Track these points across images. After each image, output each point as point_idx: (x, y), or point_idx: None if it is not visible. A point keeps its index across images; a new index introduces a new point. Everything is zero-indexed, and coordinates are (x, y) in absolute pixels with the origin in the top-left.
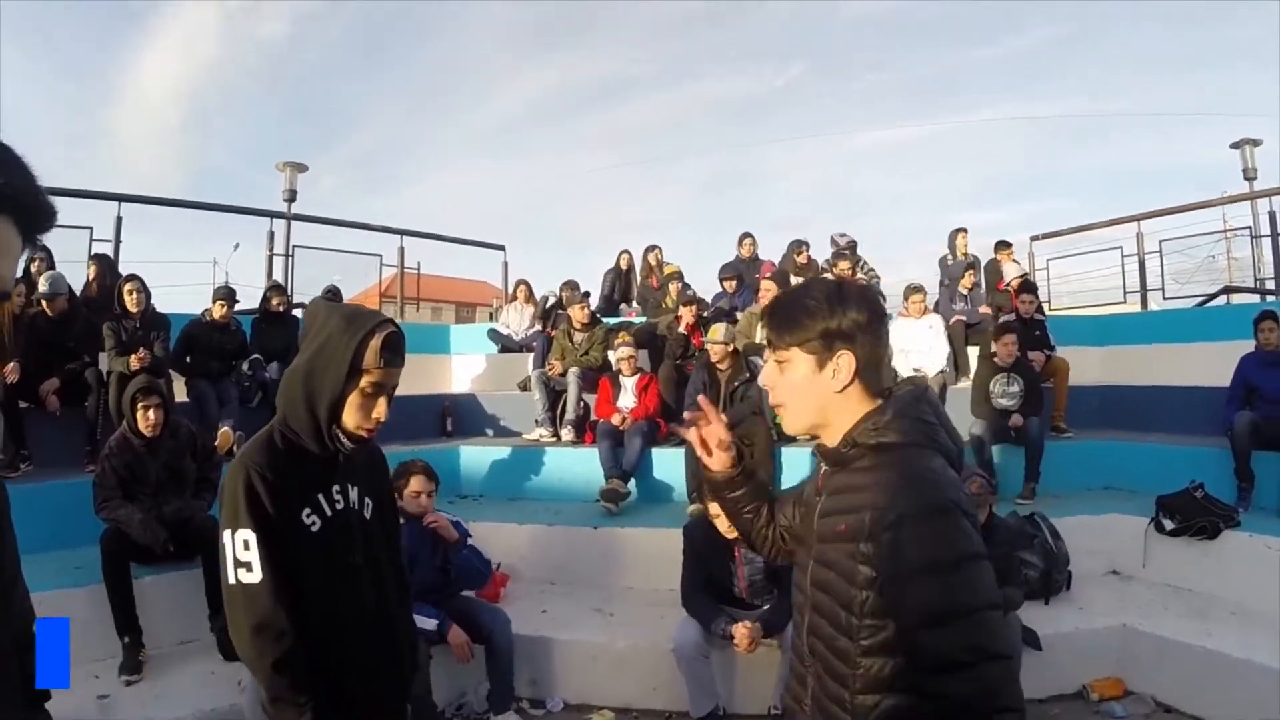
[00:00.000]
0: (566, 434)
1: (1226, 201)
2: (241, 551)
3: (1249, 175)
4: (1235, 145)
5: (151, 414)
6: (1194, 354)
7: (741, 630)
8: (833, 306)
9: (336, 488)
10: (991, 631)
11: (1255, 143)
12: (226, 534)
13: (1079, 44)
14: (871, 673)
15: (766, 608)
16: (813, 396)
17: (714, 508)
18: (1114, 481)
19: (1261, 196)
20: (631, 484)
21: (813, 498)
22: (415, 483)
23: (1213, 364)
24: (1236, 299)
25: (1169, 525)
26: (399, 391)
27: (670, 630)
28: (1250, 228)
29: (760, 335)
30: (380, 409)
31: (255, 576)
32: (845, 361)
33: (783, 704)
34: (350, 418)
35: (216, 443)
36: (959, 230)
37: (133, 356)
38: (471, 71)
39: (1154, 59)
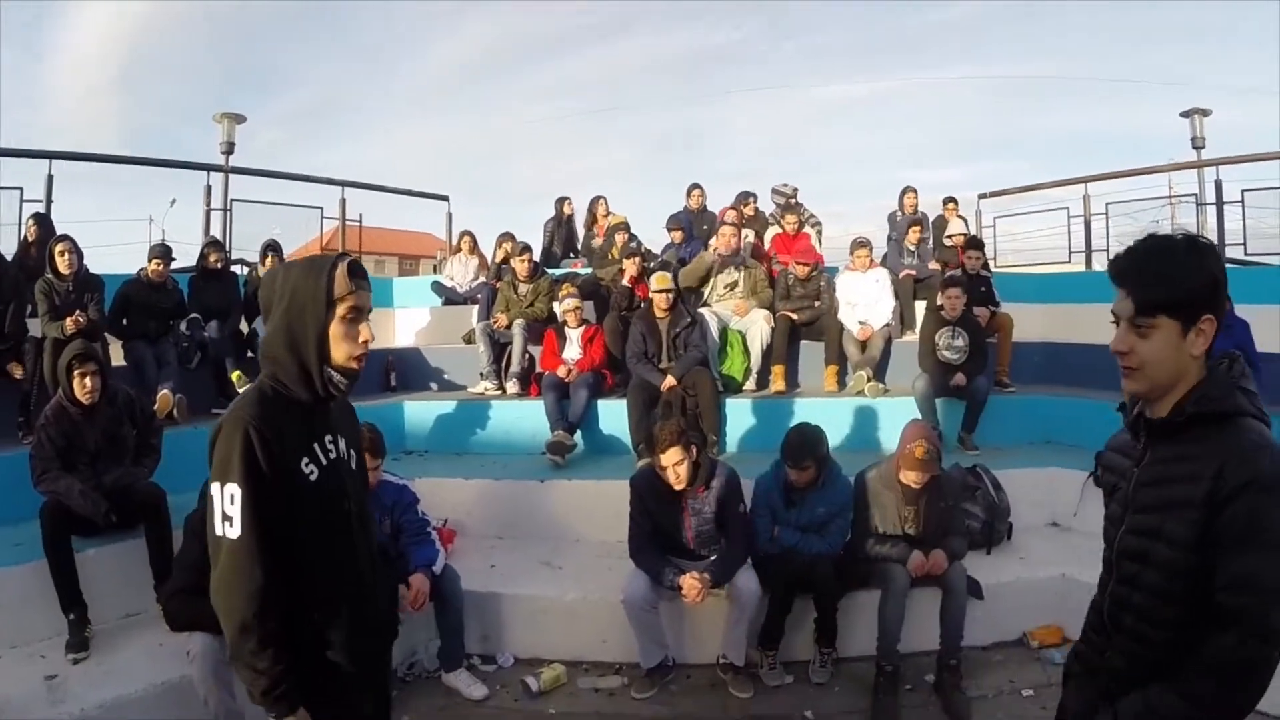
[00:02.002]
0: (512, 387)
1: (1174, 168)
2: (228, 505)
3: (1197, 144)
4: (1185, 114)
5: (89, 381)
6: None
7: (689, 581)
8: (1198, 267)
9: (329, 437)
10: None
11: (1204, 113)
12: (215, 486)
13: (1038, 9)
14: (1202, 639)
15: (714, 558)
16: (1174, 363)
17: (660, 458)
18: (1055, 436)
19: (1208, 165)
20: (578, 436)
21: (1121, 472)
22: None
23: None
24: None
25: None
26: None
27: (619, 582)
28: (1195, 195)
29: (716, 281)
30: (365, 331)
31: (235, 532)
32: (1208, 328)
33: (1068, 669)
34: (339, 350)
35: (156, 407)
36: (908, 189)
37: (67, 320)
38: (416, 21)
39: (1110, 27)
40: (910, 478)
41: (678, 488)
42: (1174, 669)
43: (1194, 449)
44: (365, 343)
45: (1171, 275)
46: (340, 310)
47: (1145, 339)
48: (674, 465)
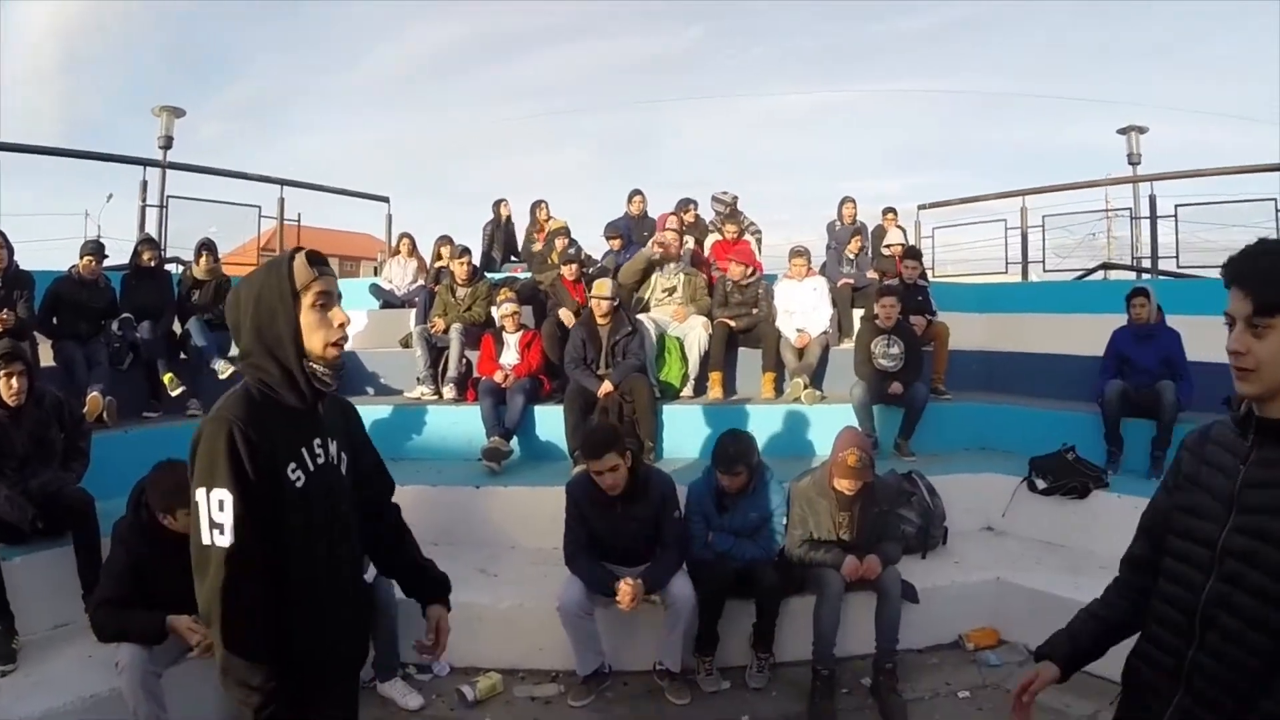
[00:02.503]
0: (448, 392)
1: (1110, 183)
2: (216, 512)
3: (1133, 160)
4: (1122, 131)
5: (15, 382)
6: (1070, 325)
7: (624, 587)
8: None
9: (318, 441)
10: None
11: (1141, 130)
12: (200, 492)
13: (982, 26)
14: None
15: (649, 565)
16: None
17: (595, 464)
18: (990, 442)
19: (1144, 181)
20: (514, 442)
21: (1221, 467)
22: None
23: (1087, 335)
24: (1113, 275)
25: (1041, 485)
26: None
27: (555, 589)
28: (1130, 209)
29: (656, 284)
30: (338, 315)
31: (227, 540)
32: None
33: (1133, 670)
34: (314, 340)
35: (85, 409)
36: (846, 199)
37: None
38: (362, 20)
39: (1053, 46)
40: (843, 485)
41: (613, 494)
42: (1268, 682)
43: None
44: (341, 325)
45: None
46: (307, 299)
47: (1262, 339)
48: (609, 471)
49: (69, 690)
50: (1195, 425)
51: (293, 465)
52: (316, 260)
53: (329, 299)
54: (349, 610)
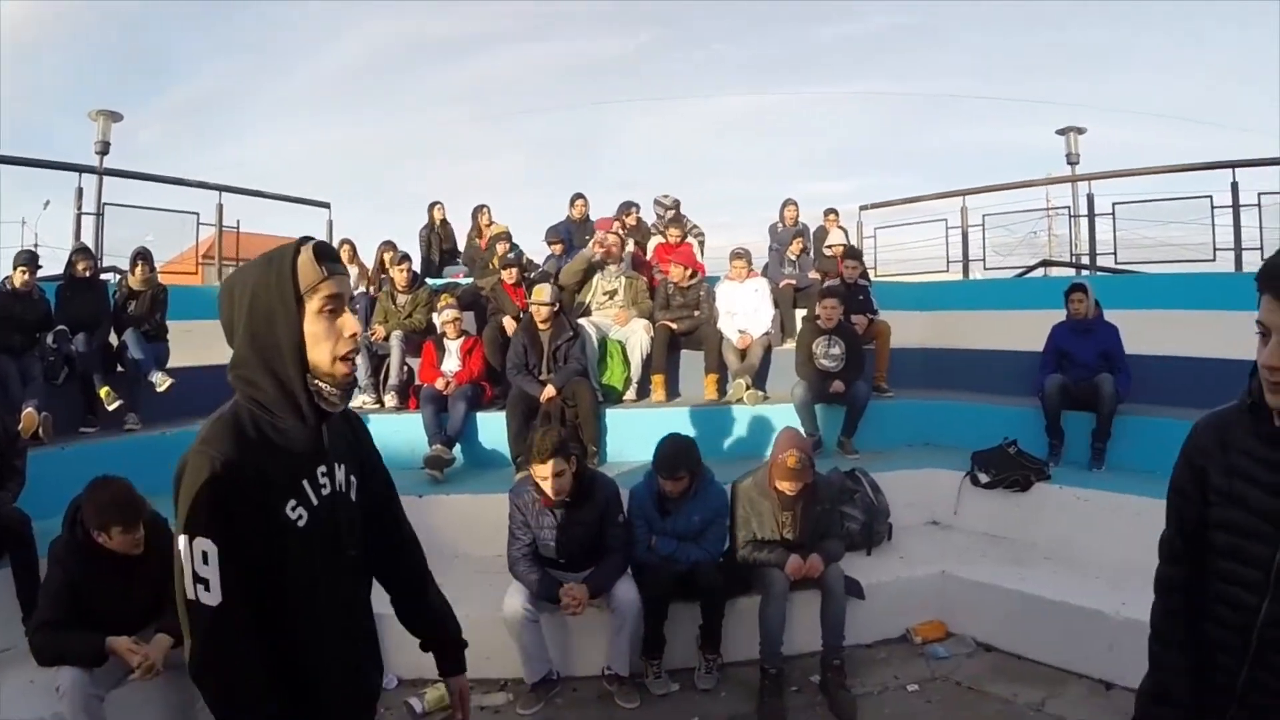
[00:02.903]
0: (390, 400)
1: (1049, 182)
2: (200, 565)
3: (1072, 160)
4: (1061, 131)
5: None
6: (1010, 321)
7: (567, 591)
8: None
9: (323, 469)
10: None
11: (1080, 130)
12: (183, 540)
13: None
14: None
15: (592, 569)
16: None
17: (539, 469)
18: (933, 438)
19: (1082, 180)
20: (457, 450)
21: (1259, 482)
22: None
23: (1028, 331)
24: (1054, 272)
25: (984, 479)
26: (217, 360)
27: (499, 597)
28: (1070, 207)
29: (597, 287)
30: (349, 323)
31: (214, 598)
32: None
33: (1167, 697)
34: (319, 352)
35: (20, 426)
36: (788, 202)
37: None
38: (301, 22)
39: (992, 49)
40: (784, 486)
41: (555, 498)
42: None
43: None
44: (354, 336)
45: None
46: (313, 304)
47: None
48: (555, 476)
49: (11, 716)
50: (1134, 417)
51: (293, 503)
52: (326, 255)
53: (339, 303)
54: (362, 648)
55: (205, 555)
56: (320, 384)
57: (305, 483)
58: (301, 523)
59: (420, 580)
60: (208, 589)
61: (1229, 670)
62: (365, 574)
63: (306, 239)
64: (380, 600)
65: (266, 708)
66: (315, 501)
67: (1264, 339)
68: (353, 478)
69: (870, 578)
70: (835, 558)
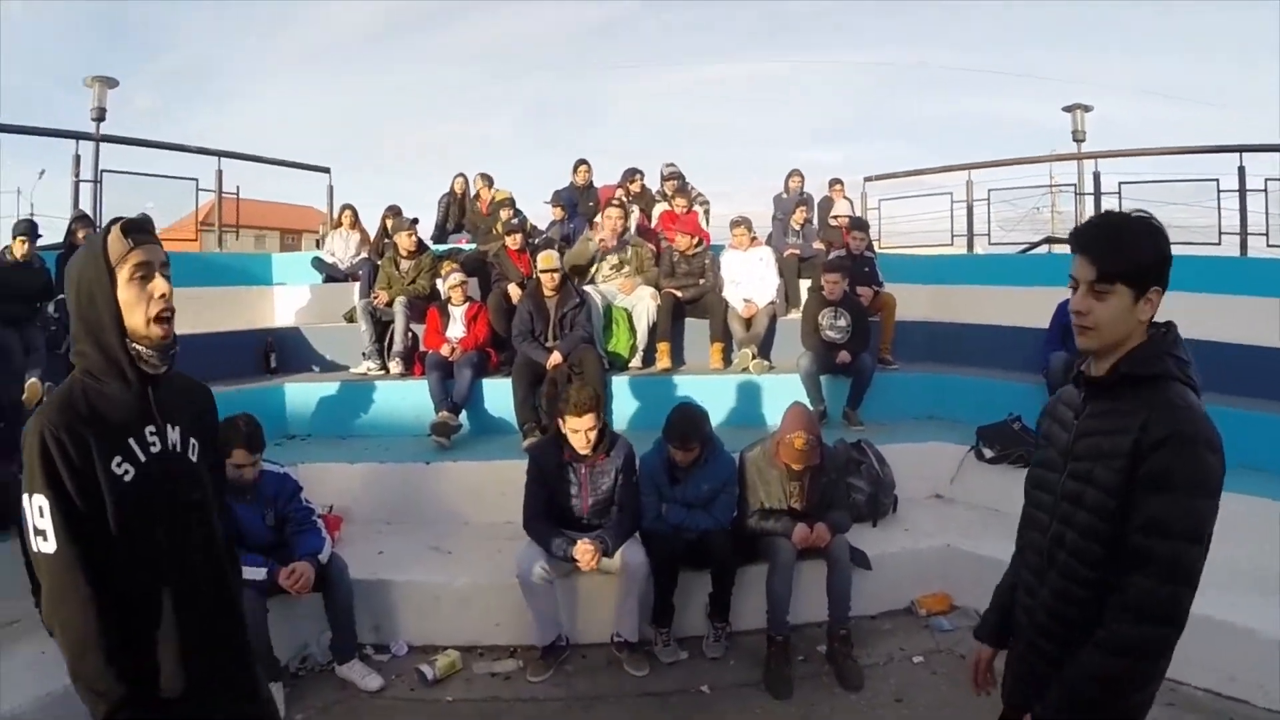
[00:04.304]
0: (395, 366)
1: (1055, 159)
2: (38, 518)
3: (1078, 137)
4: (1068, 108)
5: None
6: (1015, 297)
7: (583, 547)
8: (1155, 245)
9: (151, 428)
10: (1200, 561)
11: (1086, 108)
12: (25, 498)
13: None
14: (1120, 581)
15: (604, 528)
16: (1124, 325)
17: (574, 422)
18: (937, 412)
19: (1088, 158)
20: (463, 416)
21: (1063, 422)
22: (237, 455)
23: (1032, 307)
24: (1058, 249)
25: (988, 454)
26: (215, 328)
27: (509, 564)
28: (1075, 185)
29: (609, 264)
30: (158, 285)
31: (50, 546)
32: (1155, 298)
33: (1015, 628)
34: (135, 316)
35: (25, 396)
36: (793, 172)
37: None
38: None
39: (1000, 20)
40: (792, 465)
41: (583, 452)
42: (1095, 613)
43: (1125, 405)
44: (163, 296)
45: (1132, 248)
46: (124, 274)
47: (1102, 302)
48: (587, 430)
49: (27, 689)
50: None
51: (118, 459)
52: (134, 228)
53: (149, 269)
54: (206, 618)
55: (40, 509)
56: (139, 347)
57: (131, 440)
58: (128, 478)
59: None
60: (46, 539)
61: (1033, 592)
62: (213, 532)
63: (117, 219)
64: (391, 567)
65: (106, 645)
66: (143, 458)
67: (1074, 290)
68: (193, 440)
69: (876, 549)
70: (842, 528)
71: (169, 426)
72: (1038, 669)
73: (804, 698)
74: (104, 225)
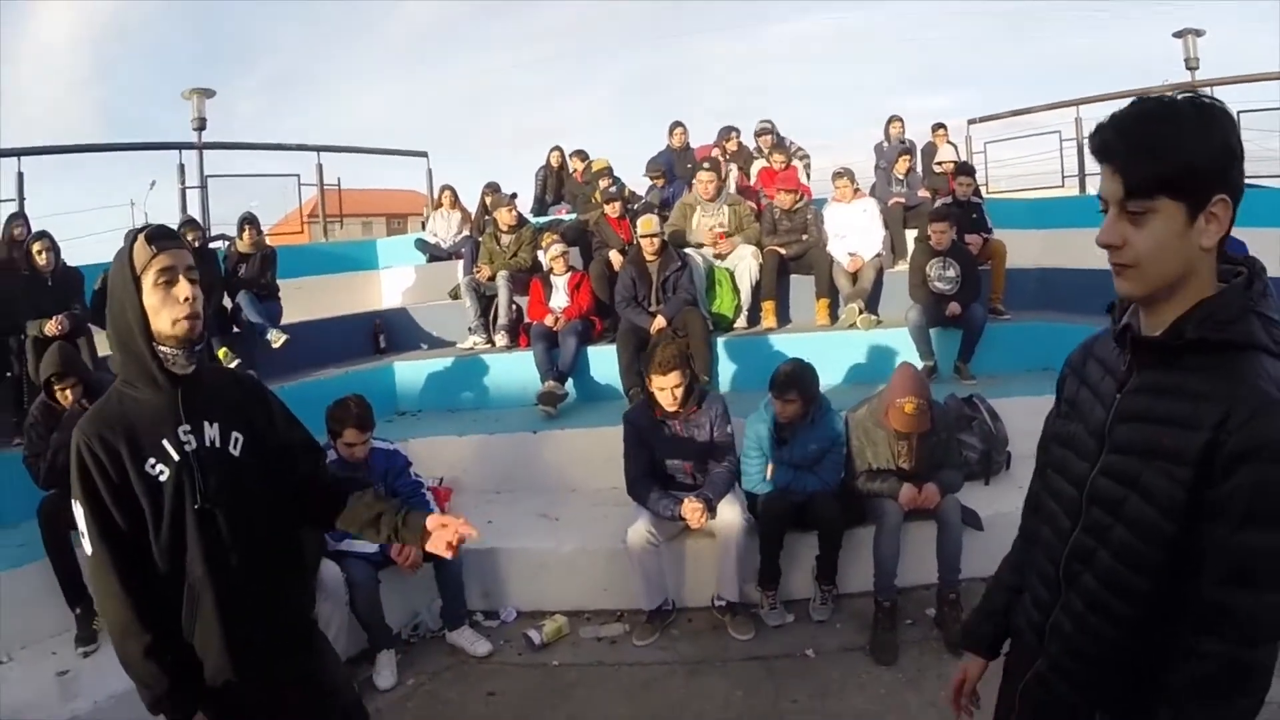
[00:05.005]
0: (500, 339)
1: (1168, 90)
2: (80, 523)
3: (1191, 65)
4: (1178, 34)
5: (69, 394)
6: None
7: (690, 505)
8: (1206, 133)
9: (185, 428)
10: None
11: (1198, 32)
12: (74, 504)
13: None
14: (1171, 623)
15: (705, 485)
16: (1179, 257)
17: (659, 380)
18: (1052, 363)
19: (1202, 86)
20: (569, 385)
21: (1098, 391)
22: (349, 434)
23: None
24: None
25: None
26: (328, 314)
27: (616, 530)
28: None
29: (700, 224)
30: (182, 289)
31: (89, 548)
32: (1222, 212)
33: (1016, 626)
34: (161, 320)
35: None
36: (893, 118)
37: (49, 322)
38: None
39: None
40: (901, 429)
41: (670, 409)
42: (1128, 661)
43: (1193, 384)
44: (188, 300)
45: (1174, 143)
46: (148, 281)
47: (1141, 227)
48: (672, 388)
49: (103, 686)
50: None
51: (152, 460)
52: (159, 236)
53: (173, 274)
54: (254, 597)
55: (82, 515)
56: (165, 350)
57: (165, 441)
58: (163, 477)
59: (332, 509)
60: (87, 541)
61: (1045, 608)
62: (250, 523)
63: (142, 228)
64: (500, 535)
65: (152, 647)
66: (177, 457)
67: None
68: (235, 434)
69: (988, 509)
70: (953, 488)
71: (206, 424)
72: (1067, 697)
73: (910, 663)
74: (129, 237)
